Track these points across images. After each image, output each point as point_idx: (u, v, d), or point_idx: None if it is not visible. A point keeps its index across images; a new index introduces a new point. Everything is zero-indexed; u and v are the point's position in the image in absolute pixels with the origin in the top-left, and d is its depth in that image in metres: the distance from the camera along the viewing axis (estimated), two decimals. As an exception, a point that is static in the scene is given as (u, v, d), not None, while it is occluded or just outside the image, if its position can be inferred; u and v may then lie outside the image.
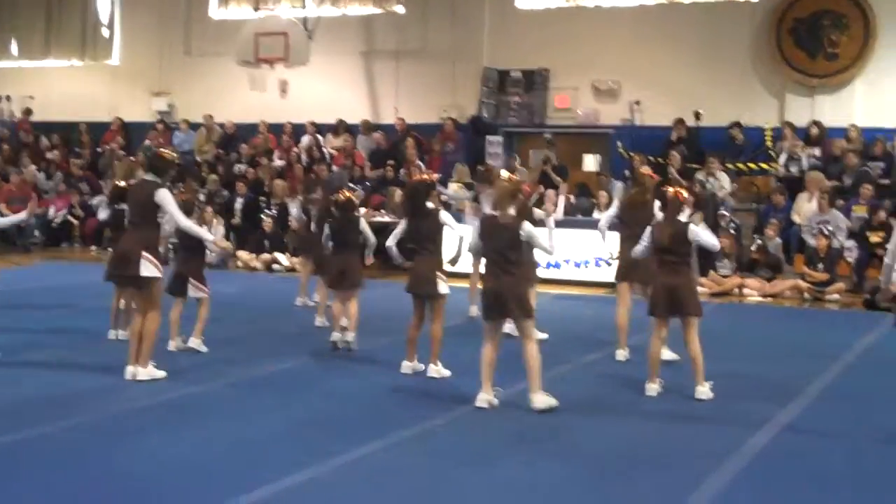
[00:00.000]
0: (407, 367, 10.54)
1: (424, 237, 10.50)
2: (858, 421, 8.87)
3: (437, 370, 10.42)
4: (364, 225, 11.80)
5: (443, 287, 10.40)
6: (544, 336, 12.54)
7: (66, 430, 8.19)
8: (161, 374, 10.00)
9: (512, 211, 9.17)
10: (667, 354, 11.04)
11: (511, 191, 9.23)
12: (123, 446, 7.81)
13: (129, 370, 9.94)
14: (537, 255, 11.75)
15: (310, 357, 11.32)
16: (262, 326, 13.39)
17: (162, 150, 11.24)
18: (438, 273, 10.40)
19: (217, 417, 8.77)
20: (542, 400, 9.02)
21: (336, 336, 11.65)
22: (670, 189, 10.10)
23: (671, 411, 9.24)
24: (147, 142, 24.53)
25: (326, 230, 11.95)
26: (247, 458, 7.58)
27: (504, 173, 10.76)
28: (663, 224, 9.87)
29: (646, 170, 12.74)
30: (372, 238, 11.79)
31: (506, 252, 9.06)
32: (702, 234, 9.75)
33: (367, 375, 10.50)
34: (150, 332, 9.92)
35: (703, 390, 9.63)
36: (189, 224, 10.26)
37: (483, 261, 9.49)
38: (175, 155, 10.78)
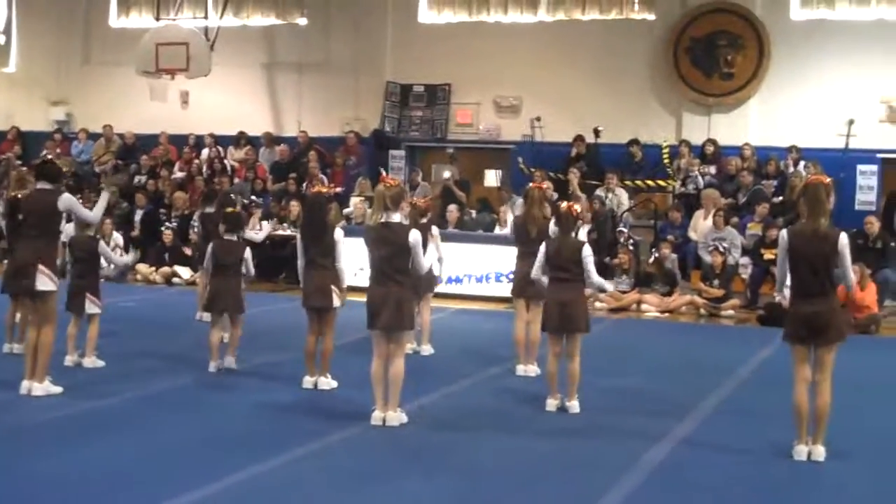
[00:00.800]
0: (308, 381, 10.53)
1: (320, 251, 10.46)
2: (752, 435, 9.05)
3: (328, 382, 10.49)
4: (248, 255, 11.52)
5: (336, 301, 10.44)
6: (430, 351, 12.61)
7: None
8: (57, 389, 9.85)
9: (399, 217, 9.13)
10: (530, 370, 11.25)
11: (396, 194, 9.09)
12: (16, 463, 7.69)
13: (25, 385, 9.77)
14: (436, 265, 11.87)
15: (208, 372, 11.20)
16: (161, 341, 13.21)
17: (51, 157, 10.91)
18: (334, 287, 10.42)
19: (114, 434, 8.67)
20: (398, 418, 9.06)
21: (214, 366, 11.27)
22: (563, 204, 10.21)
23: (570, 426, 9.35)
24: (45, 151, 24.12)
25: (209, 249, 11.66)
26: (143, 476, 7.51)
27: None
28: (557, 239, 10.00)
29: (533, 183, 12.80)
30: (251, 269, 11.55)
31: (393, 259, 8.97)
32: (590, 263, 9.85)
33: (264, 391, 10.45)
34: (45, 346, 9.75)
35: (575, 404, 9.79)
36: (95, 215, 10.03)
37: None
38: (67, 162, 10.58)
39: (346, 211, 20.31)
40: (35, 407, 9.40)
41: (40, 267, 9.60)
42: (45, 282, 9.64)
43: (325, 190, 11.48)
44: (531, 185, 12.31)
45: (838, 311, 8.23)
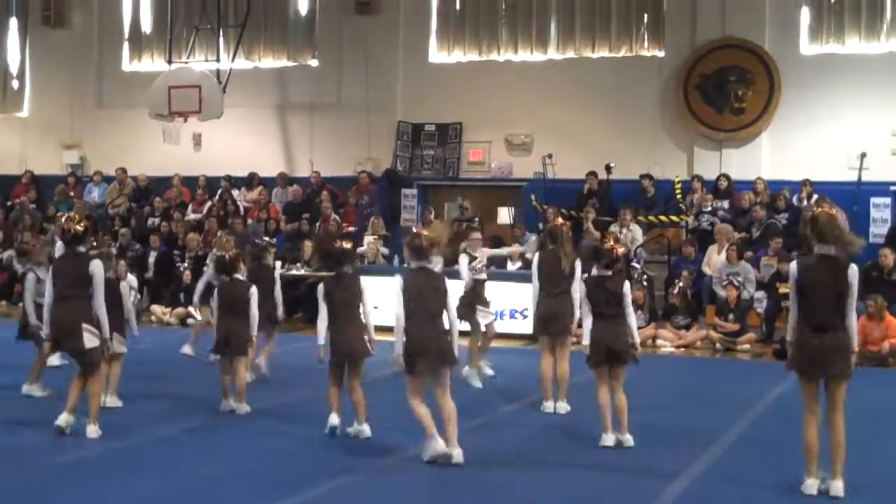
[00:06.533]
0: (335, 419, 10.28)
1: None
2: (769, 469, 9.01)
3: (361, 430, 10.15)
4: (253, 297, 11.41)
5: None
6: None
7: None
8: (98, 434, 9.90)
9: (437, 264, 9.14)
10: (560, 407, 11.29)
11: (430, 242, 9.12)
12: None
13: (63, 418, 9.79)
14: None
15: (220, 414, 11.15)
16: (174, 383, 13.17)
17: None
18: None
19: (129, 476, 8.66)
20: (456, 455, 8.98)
21: (225, 406, 11.22)
22: (608, 244, 10.19)
23: (590, 462, 9.31)
24: (56, 197, 24.32)
25: (216, 291, 11.65)
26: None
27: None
28: (598, 278, 9.98)
29: (557, 220, 12.77)
30: (255, 311, 11.38)
31: (431, 302, 9.03)
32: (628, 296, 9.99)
33: (282, 431, 10.43)
34: (95, 394, 9.95)
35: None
36: (101, 307, 9.94)
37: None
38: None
39: (359, 250, 20.33)
40: (54, 449, 9.41)
41: (84, 326, 9.73)
42: (91, 339, 9.78)
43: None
44: (558, 222, 12.19)
45: (847, 347, 8.12)
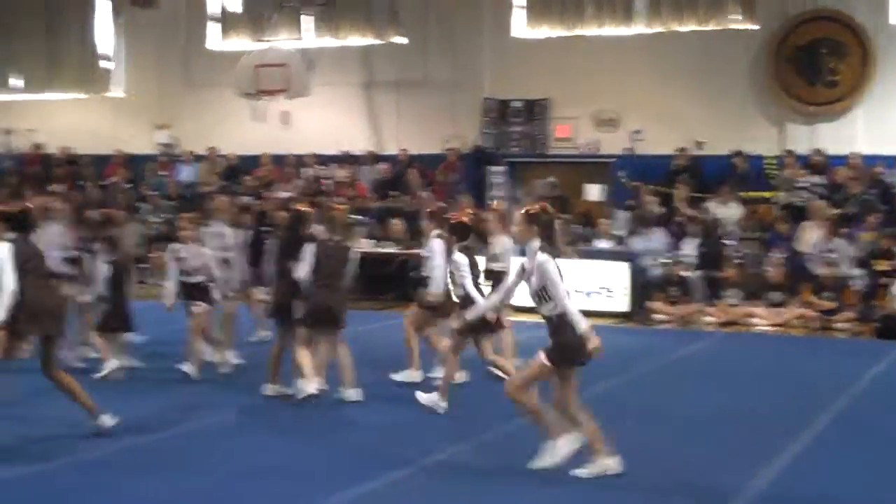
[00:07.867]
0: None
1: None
2: (867, 454, 8.85)
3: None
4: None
5: None
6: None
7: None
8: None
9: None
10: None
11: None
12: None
13: None
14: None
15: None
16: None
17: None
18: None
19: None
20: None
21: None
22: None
23: (664, 441, 9.23)
24: (147, 176, 24.67)
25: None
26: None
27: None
28: None
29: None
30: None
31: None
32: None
33: (357, 416, 10.42)
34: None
35: None
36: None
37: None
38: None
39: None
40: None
41: None
42: None
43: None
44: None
45: None
